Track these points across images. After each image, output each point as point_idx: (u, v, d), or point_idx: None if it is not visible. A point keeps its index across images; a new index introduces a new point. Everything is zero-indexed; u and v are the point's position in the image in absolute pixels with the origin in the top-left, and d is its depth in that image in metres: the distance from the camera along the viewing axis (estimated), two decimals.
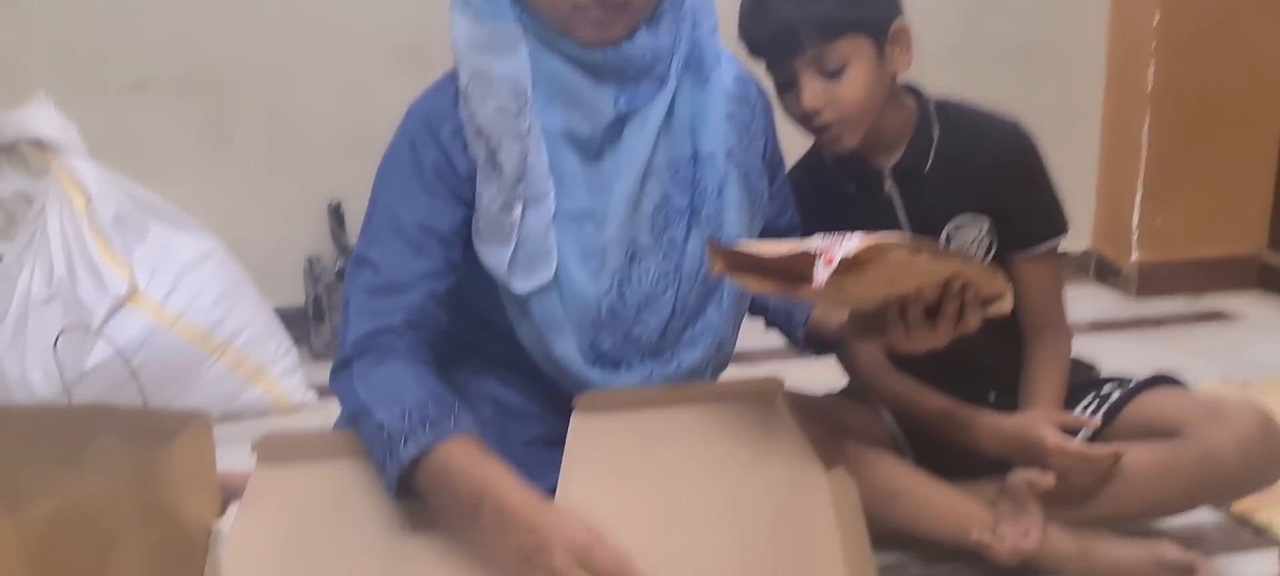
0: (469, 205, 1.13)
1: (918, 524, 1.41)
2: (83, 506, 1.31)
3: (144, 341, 1.88)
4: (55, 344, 1.63)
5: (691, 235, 1.18)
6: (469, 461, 1.01)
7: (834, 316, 1.28)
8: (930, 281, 1.10)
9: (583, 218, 1.14)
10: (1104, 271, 2.82)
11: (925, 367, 1.46)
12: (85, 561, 1.30)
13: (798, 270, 1.01)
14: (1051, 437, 1.35)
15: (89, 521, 1.31)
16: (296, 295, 2.39)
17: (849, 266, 0.98)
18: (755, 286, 1.07)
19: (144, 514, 1.38)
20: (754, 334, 1.43)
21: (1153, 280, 2.71)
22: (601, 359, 1.18)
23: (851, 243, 0.98)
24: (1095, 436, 1.41)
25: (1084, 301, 2.63)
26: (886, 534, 1.36)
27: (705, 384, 1.23)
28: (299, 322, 2.33)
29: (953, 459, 1.46)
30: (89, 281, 1.88)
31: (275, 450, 1.11)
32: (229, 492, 1.45)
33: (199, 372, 1.96)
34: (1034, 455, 1.36)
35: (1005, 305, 1.16)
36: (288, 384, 2.07)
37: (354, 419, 1.09)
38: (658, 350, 1.19)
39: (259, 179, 2.42)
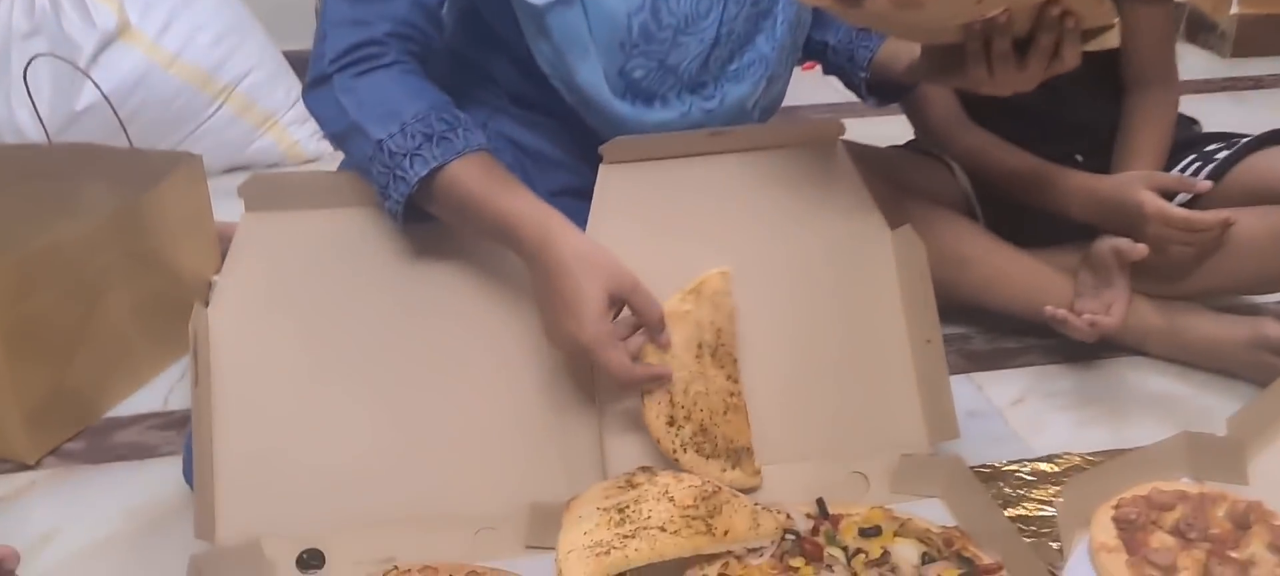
0: None
1: (987, 293, 1.33)
2: (60, 253, 1.21)
3: (139, 81, 1.80)
4: (24, 74, 1.49)
5: None
6: (485, 186, 0.93)
7: (903, 53, 1.13)
8: (1023, 3, 0.91)
9: None
10: (1196, 27, 2.69)
11: (1005, 121, 1.35)
12: (66, 311, 1.21)
13: None
14: (1151, 202, 1.23)
15: (69, 269, 1.21)
16: (308, 38, 2.21)
17: None
18: (810, 0, 0.90)
19: (131, 262, 1.29)
20: (809, 85, 1.27)
21: (1251, 38, 2.56)
22: (633, 89, 1.04)
23: None
24: (1196, 201, 1.28)
25: None
26: (952, 302, 1.28)
27: (753, 127, 1.11)
28: None
29: (1030, 224, 1.36)
30: (75, 14, 1.78)
31: (264, 194, 1.01)
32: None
33: (202, 117, 1.89)
34: (1129, 221, 1.23)
35: (1112, 39, 0.99)
36: (300, 133, 1.97)
37: (341, 138, 0.99)
38: (698, 83, 1.06)
39: None
